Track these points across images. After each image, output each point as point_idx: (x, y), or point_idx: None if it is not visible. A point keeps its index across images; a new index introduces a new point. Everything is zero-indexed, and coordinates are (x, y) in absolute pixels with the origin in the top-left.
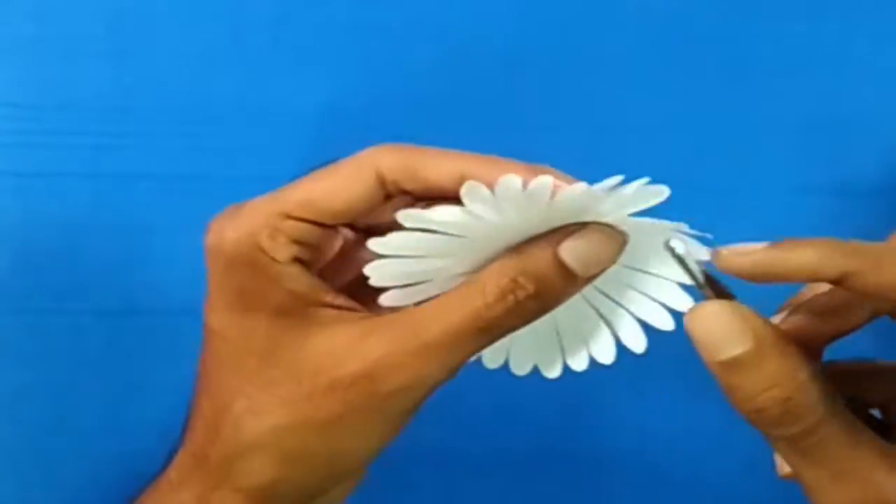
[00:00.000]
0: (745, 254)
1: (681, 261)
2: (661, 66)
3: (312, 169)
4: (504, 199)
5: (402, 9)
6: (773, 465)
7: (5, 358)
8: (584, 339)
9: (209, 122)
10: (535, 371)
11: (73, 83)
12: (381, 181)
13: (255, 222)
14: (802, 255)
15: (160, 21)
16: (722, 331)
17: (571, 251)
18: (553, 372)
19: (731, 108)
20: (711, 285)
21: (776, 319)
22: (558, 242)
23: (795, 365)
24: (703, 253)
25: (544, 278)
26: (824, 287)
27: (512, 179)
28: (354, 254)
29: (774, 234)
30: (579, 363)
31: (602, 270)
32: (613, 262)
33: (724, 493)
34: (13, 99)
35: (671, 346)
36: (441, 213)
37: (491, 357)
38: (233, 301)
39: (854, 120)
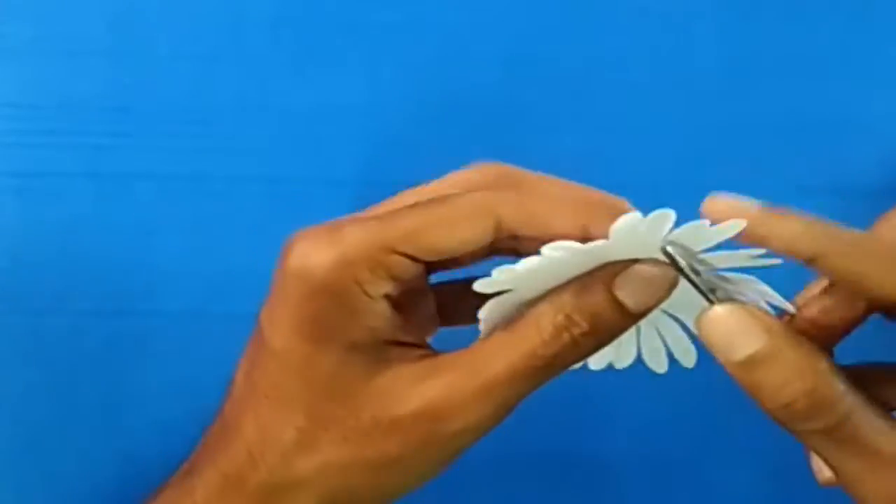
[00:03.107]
0: (738, 210)
1: (678, 267)
2: (661, 67)
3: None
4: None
5: (402, 9)
6: (775, 467)
7: (5, 358)
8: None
9: (209, 122)
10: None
11: (73, 83)
12: (498, 227)
13: (356, 252)
14: (785, 228)
15: (160, 21)
16: (734, 331)
17: (625, 287)
18: (661, 368)
19: (731, 109)
20: (715, 289)
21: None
22: (612, 278)
23: (814, 356)
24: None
25: (598, 315)
26: (820, 286)
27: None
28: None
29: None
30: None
31: (656, 305)
32: (667, 296)
33: (729, 495)
34: (13, 99)
35: None
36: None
37: (596, 360)
38: (306, 327)
39: (854, 120)
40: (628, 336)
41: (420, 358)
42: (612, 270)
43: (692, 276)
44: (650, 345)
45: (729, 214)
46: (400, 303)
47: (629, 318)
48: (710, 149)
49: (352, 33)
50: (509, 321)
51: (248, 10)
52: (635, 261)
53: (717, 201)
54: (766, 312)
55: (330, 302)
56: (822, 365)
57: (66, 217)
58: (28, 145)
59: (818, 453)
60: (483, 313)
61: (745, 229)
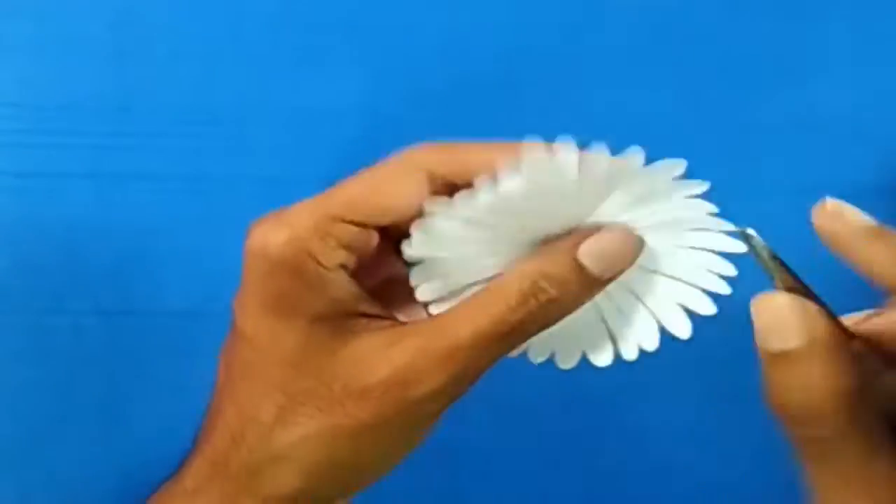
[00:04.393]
0: (843, 222)
1: (753, 247)
2: (661, 66)
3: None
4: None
5: (402, 9)
6: (773, 466)
7: (5, 358)
8: (631, 325)
9: (209, 122)
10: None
11: (73, 83)
12: (431, 177)
13: (304, 225)
14: (878, 253)
15: (160, 21)
16: (779, 322)
17: (590, 253)
18: (603, 359)
19: (730, 108)
20: (786, 276)
21: (855, 318)
22: (577, 244)
23: (835, 373)
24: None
25: (564, 281)
26: None
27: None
28: (381, 257)
29: (774, 234)
30: (630, 351)
31: (621, 271)
32: (632, 262)
33: (727, 492)
34: (14, 99)
35: (678, 344)
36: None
37: (538, 351)
38: (269, 306)
39: (853, 120)
40: (598, 329)
41: (387, 327)
42: (576, 237)
43: (769, 260)
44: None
45: (829, 227)
46: (372, 284)
47: (595, 284)
48: (710, 148)
49: (352, 33)
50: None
51: (248, 10)
52: (599, 227)
53: (826, 206)
54: (823, 313)
55: (288, 277)
56: (840, 382)
57: (66, 217)
58: (28, 145)
59: (797, 453)
60: (412, 249)
61: (841, 245)
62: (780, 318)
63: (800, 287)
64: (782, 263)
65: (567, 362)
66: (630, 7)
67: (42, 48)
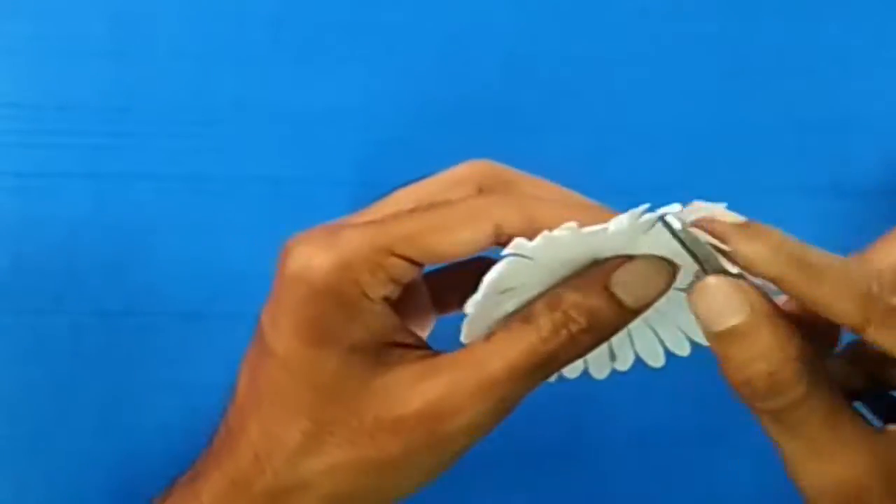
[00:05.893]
0: (712, 222)
1: (677, 236)
2: (661, 67)
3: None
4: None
5: (402, 9)
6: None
7: (5, 358)
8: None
9: (209, 122)
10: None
11: (73, 83)
12: (498, 232)
13: (355, 255)
14: (750, 248)
15: (160, 21)
16: (720, 302)
17: (622, 283)
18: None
19: (731, 109)
20: (711, 258)
21: (782, 299)
22: (608, 274)
23: (784, 340)
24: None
25: (596, 311)
26: None
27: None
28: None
29: None
30: (655, 359)
31: (654, 301)
32: (665, 292)
33: (727, 492)
34: (13, 99)
35: None
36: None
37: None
38: (306, 331)
39: (854, 120)
40: (621, 337)
41: (420, 358)
42: (608, 267)
43: (688, 243)
44: (643, 339)
45: (699, 225)
46: (397, 301)
47: (627, 314)
48: (710, 149)
49: (352, 33)
50: (505, 318)
51: (248, 10)
52: (630, 257)
53: (695, 204)
54: (755, 288)
55: (330, 305)
56: (791, 350)
57: (66, 217)
58: (28, 145)
59: (765, 428)
60: (470, 307)
61: (714, 241)
62: (717, 298)
63: (725, 268)
64: (705, 247)
65: (601, 372)
66: (630, 10)
67: (42, 48)
